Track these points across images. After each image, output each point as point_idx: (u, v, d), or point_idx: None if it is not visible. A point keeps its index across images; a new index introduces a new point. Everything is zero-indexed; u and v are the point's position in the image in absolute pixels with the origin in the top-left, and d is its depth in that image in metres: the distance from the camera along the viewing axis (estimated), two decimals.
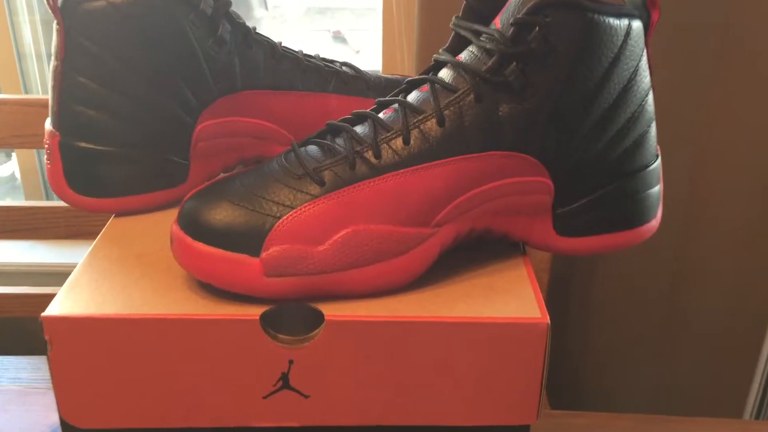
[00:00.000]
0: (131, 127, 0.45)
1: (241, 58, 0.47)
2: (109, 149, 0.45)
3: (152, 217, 0.47)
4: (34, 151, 1.25)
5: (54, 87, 0.45)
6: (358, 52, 1.91)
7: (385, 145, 0.39)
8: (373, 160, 0.39)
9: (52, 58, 0.45)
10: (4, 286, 1.02)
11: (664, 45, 0.92)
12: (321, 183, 0.38)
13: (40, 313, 0.37)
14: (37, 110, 0.92)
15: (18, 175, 1.29)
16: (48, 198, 1.29)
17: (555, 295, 1.17)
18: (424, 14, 0.89)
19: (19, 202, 1.26)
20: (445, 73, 0.40)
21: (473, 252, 0.43)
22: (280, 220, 0.37)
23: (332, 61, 0.53)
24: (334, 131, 0.41)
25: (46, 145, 0.47)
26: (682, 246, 1.09)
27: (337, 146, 0.39)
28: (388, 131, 0.39)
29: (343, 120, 0.42)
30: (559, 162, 0.39)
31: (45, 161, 0.47)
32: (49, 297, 0.38)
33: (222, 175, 0.46)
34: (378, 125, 0.40)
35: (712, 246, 1.07)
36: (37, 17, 1.23)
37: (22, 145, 0.95)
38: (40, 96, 1.12)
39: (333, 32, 1.99)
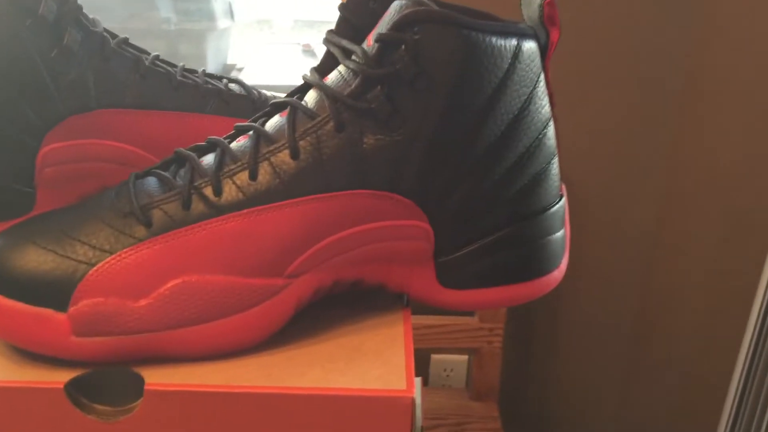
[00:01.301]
0: None
1: (96, 72, 0.41)
2: None
3: None
4: None
5: None
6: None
7: (228, 179, 0.33)
8: (212, 197, 0.32)
9: None
10: None
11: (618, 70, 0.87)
12: (147, 224, 0.32)
13: None
14: None
15: None
16: None
17: (518, 322, 1.12)
18: None
19: None
20: (309, 97, 0.34)
21: (345, 303, 0.36)
22: (94, 269, 0.31)
23: (219, 78, 0.47)
24: (180, 161, 0.35)
25: None
26: (648, 273, 1.05)
27: (177, 180, 0.33)
28: (235, 163, 0.33)
29: (194, 147, 0.36)
30: (438, 204, 0.33)
31: None
32: None
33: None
34: (226, 155, 0.33)
35: (680, 272, 1.03)
36: None
37: None
38: None
39: (303, 46, 1.94)
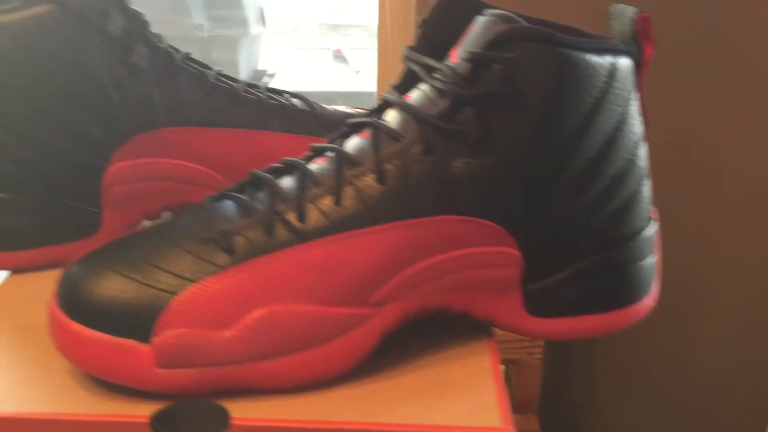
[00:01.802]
0: (27, 170, 0.38)
1: (162, 89, 0.40)
2: (2, 196, 0.38)
3: (56, 276, 0.40)
4: None
5: None
6: (358, 72, 1.84)
7: (311, 204, 0.31)
8: (295, 223, 0.31)
9: None
10: None
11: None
12: (230, 251, 0.31)
13: None
14: None
15: None
16: None
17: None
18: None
19: None
20: (391, 117, 0.33)
21: (427, 331, 0.35)
22: (176, 297, 0.30)
23: (280, 93, 0.46)
24: (256, 183, 0.34)
25: None
26: (690, 285, 1.02)
27: (255, 204, 0.32)
28: (317, 187, 0.32)
29: (270, 169, 0.34)
30: (528, 229, 0.32)
31: None
32: None
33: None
34: (307, 178, 0.32)
35: (722, 285, 1.00)
36: None
37: None
38: None
39: (333, 51, 1.93)
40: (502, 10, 0.32)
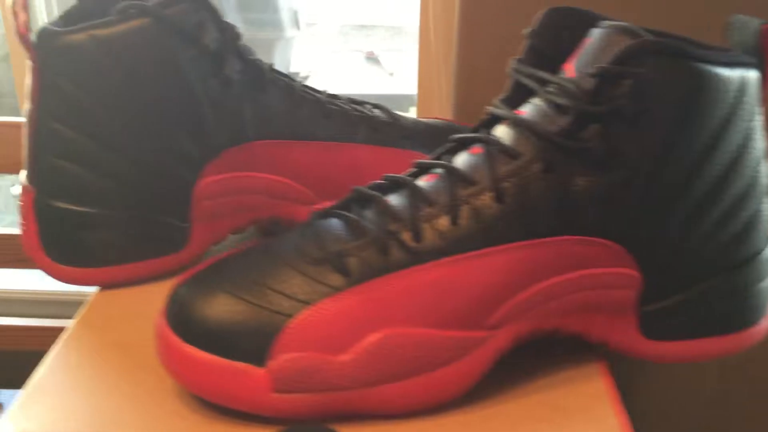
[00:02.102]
0: (118, 184, 0.37)
1: (253, 102, 0.39)
2: (93, 210, 0.38)
3: (144, 291, 0.39)
4: None
5: (28, 136, 0.38)
6: (392, 74, 1.83)
7: (426, 224, 0.31)
8: (410, 243, 0.30)
9: (26, 101, 0.38)
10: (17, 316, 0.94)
11: None
12: (345, 272, 0.30)
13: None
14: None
15: None
16: None
17: None
18: (465, 35, 0.79)
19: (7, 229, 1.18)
20: (503, 133, 0.32)
21: (536, 353, 0.34)
22: (292, 320, 0.29)
23: (361, 103, 0.45)
24: (361, 200, 0.33)
25: (21, 203, 0.39)
26: None
27: (365, 222, 0.31)
28: (431, 205, 0.31)
29: (374, 186, 0.34)
30: (649, 250, 0.31)
31: (20, 222, 0.40)
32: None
33: (229, 251, 0.38)
34: (417, 196, 0.31)
35: None
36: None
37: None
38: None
39: (366, 53, 1.91)
40: (620, 21, 0.31)
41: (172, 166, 0.38)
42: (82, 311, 0.38)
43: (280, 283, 0.30)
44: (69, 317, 0.38)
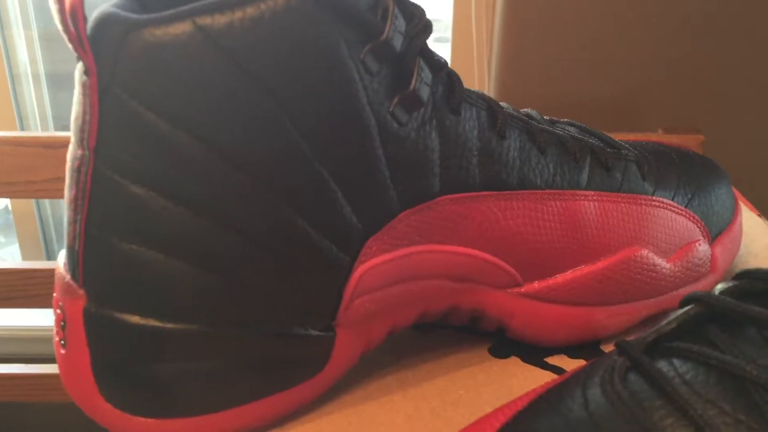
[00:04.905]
0: (234, 281, 0.22)
1: (444, 133, 0.24)
2: (187, 327, 0.22)
3: None
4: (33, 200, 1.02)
5: (76, 201, 0.22)
6: None
7: None
8: None
9: (73, 142, 0.21)
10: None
11: None
12: None
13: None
14: (35, 151, 0.69)
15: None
16: (49, 255, 1.05)
17: None
18: (507, 29, 0.67)
19: (14, 264, 1.02)
20: None
21: None
22: None
23: (553, 122, 0.30)
24: (720, 320, 0.18)
25: (58, 312, 0.23)
26: None
27: (744, 366, 0.16)
28: None
29: (733, 290, 0.18)
30: None
31: (54, 340, 0.24)
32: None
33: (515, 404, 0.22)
34: None
35: None
36: (35, 32, 1.00)
37: (15, 195, 0.73)
38: (38, 134, 0.88)
39: None
40: None
41: (320, 246, 0.22)
42: None
43: None
44: None
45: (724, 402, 0.16)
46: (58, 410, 0.95)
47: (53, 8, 0.19)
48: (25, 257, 1.05)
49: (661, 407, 0.16)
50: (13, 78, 1.02)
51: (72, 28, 0.19)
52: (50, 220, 1.07)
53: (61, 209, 1.07)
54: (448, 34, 0.88)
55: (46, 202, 1.06)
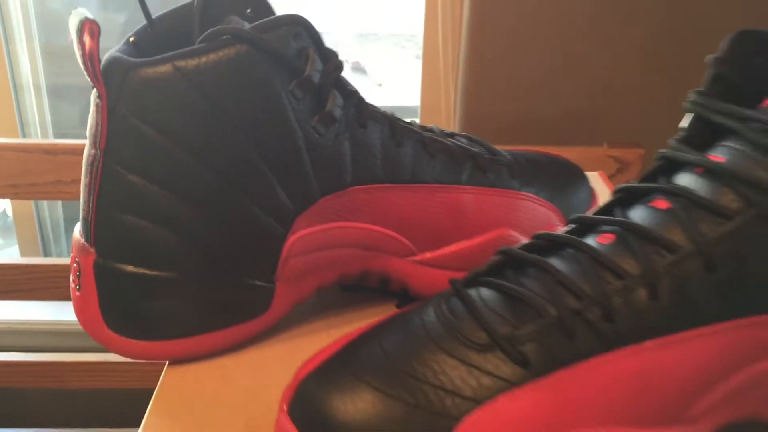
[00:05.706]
0: (198, 244, 0.31)
1: (353, 142, 0.33)
2: (166, 275, 0.31)
3: (218, 365, 0.33)
4: (32, 201, 1.10)
5: (89, 186, 0.31)
6: (380, 85, 1.77)
7: (618, 299, 0.25)
8: (602, 325, 0.25)
9: (88, 144, 0.31)
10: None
11: None
12: (522, 362, 0.24)
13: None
14: (38, 156, 0.78)
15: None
16: (46, 254, 1.14)
17: None
18: (473, 43, 0.74)
19: (15, 259, 1.11)
20: (694, 183, 0.26)
21: None
22: (460, 423, 0.23)
23: (452, 135, 0.40)
24: (514, 265, 0.27)
25: (75, 265, 0.33)
26: None
27: (535, 296, 0.26)
28: (619, 276, 0.25)
29: (528, 247, 0.28)
30: None
31: (71, 286, 0.33)
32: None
33: (357, 331, 0.32)
34: (599, 264, 0.26)
35: None
36: (37, 45, 1.09)
37: (17, 196, 0.82)
38: (39, 141, 0.98)
39: (352, 63, 1.86)
40: None
41: (262, 220, 0.32)
42: (154, 396, 0.31)
43: (436, 374, 0.24)
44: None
45: (507, 314, 0.26)
46: (53, 396, 1.03)
47: (77, 53, 0.29)
48: (23, 255, 1.14)
49: (467, 318, 0.26)
50: (16, 88, 1.10)
51: (90, 67, 0.29)
52: (48, 221, 1.15)
53: (58, 211, 1.16)
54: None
55: (44, 205, 1.14)
